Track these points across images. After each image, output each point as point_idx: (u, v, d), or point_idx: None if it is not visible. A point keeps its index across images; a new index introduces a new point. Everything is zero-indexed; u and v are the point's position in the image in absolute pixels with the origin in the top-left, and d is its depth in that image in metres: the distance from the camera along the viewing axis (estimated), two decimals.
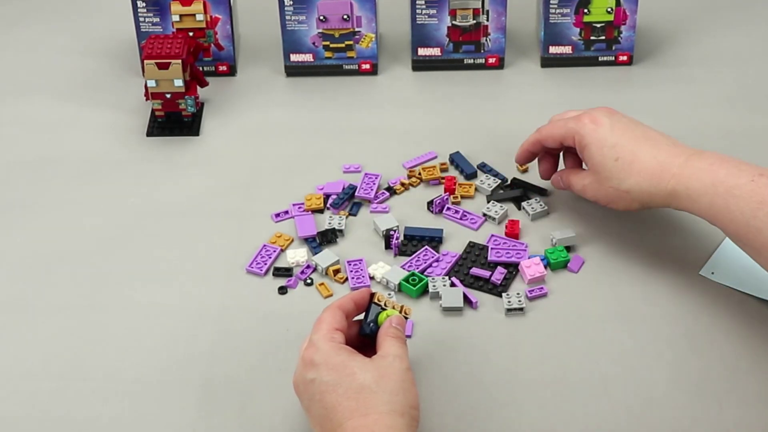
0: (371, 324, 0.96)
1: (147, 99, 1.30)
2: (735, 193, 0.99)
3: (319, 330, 0.93)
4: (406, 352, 0.93)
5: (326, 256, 1.11)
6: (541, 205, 1.17)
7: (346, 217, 1.17)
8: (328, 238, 1.14)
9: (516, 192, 1.19)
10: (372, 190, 1.20)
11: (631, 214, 1.17)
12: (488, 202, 1.18)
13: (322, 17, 1.36)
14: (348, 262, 1.11)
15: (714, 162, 1.02)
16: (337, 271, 1.10)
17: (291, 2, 1.35)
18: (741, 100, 1.34)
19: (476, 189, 1.20)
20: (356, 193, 1.20)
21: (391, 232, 1.13)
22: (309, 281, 1.10)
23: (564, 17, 1.37)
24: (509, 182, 1.21)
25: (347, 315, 0.96)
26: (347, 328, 0.95)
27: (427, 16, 1.37)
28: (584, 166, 1.14)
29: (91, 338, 1.05)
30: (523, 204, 1.17)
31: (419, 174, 1.22)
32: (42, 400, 0.99)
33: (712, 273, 1.09)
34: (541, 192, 1.20)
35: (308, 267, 1.12)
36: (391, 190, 1.21)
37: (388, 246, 1.13)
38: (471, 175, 1.22)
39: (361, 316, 0.98)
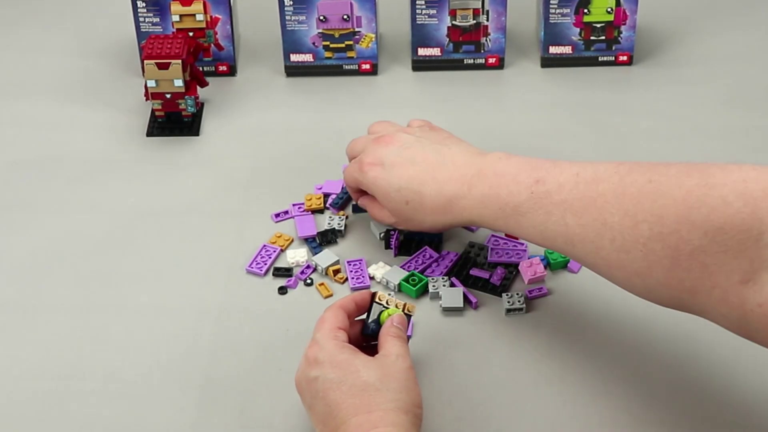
0: (373, 324, 0.97)
1: (147, 99, 1.30)
2: (521, 211, 0.97)
3: (322, 329, 0.93)
4: (408, 351, 0.93)
5: (326, 256, 1.11)
6: None
7: (346, 218, 1.17)
8: (328, 238, 1.14)
9: None
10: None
11: None
12: None
13: (322, 17, 1.36)
14: (348, 262, 1.11)
15: (493, 183, 1.00)
16: (337, 271, 1.10)
17: (291, 2, 1.35)
18: (740, 100, 1.34)
19: None
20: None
21: (391, 232, 1.13)
22: (309, 281, 1.10)
23: (564, 17, 1.37)
24: None
25: (349, 315, 0.96)
26: (349, 327, 0.96)
27: (427, 16, 1.37)
28: None
29: (91, 338, 1.05)
30: None
31: None
32: (42, 400, 0.99)
33: None
34: None
35: (308, 267, 1.12)
36: None
37: (388, 246, 1.13)
38: None
39: (363, 317, 0.98)
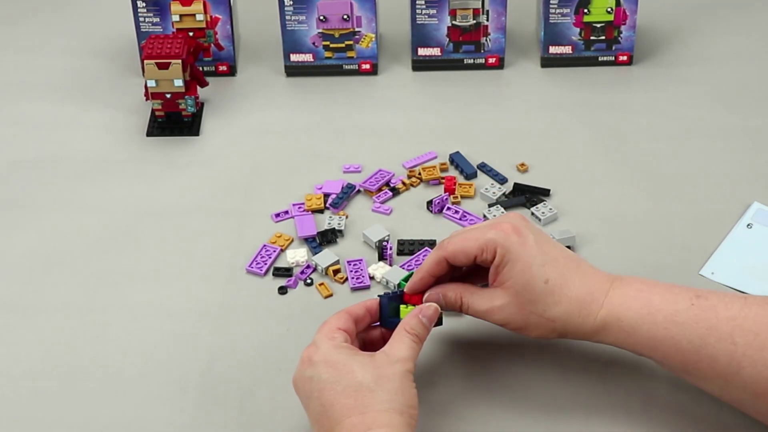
0: (390, 319, 0.96)
1: (147, 99, 1.30)
2: (677, 320, 0.88)
3: (321, 330, 0.93)
4: (416, 354, 0.92)
5: (326, 256, 1.11)
6: (550, 209, 1.16)
7: (346, 217, 1.17)
8: (327, 238, 1.14)
9: (520, 199, 1.19)
10: (377, 183, 1.20)
11: (632, 214, 1.17)
12: (490, 206, 1.18)
13: (322, 17, 1.36)
14: (348, 262, 1.11)
15: (642, 288, 0.91)
16: (337, 271, 1.10)
17: (291, 2, 1.35)
18: (740, 100, 1.34)
19: (476, 192, 1.20)
20: (362, 183, 1.20)
21: (384, 243, 1.12)
22: (309, 281, 1.10)
23: (564, 17, 1.37)
24: (512, 188, 1.20)
25: (356, 319, 0.95)
26: (356, 331, 0.95)
27: (427, 16, 1.37)
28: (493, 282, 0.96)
29: (91, 338, 1.05)
30: (533, 210, 1.17)
31: (419, 174, 1.22)
32: (42, 400, 0.99)
33: (713, 273, 1.09)
34: (544, 193, 1.20)
35: (308, 267, 1.12)
36: (395, 190, 1.21)
37: (381, 257, 1.13)
38: (471, 175, 1.22)
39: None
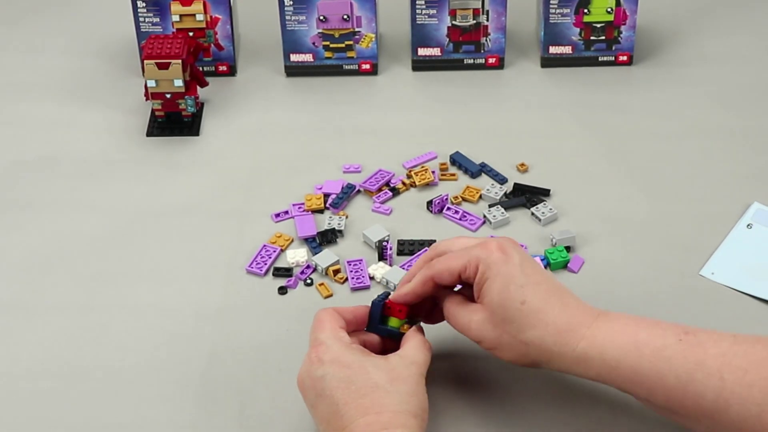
0: (380, 326, 0.97)
1: (147, 99, 1.30)
2: (664, 355, 0.85)
3: (324, 329, 0.93)
4: (429, 361, 0.92)
5: (326, 256, 1.11)
6: (550, 209, 1.16)
7: (346, 217, 1.17)
8: (328, 238, 1.14)
9: (520, 199, 1.18)
10: (377, 183, 1.20)
11: (632, 214, 1.17)
12: (490, 206, 1.18)
13: (322, 17, 1.36)
14: (348, 262, 1.11)
15: (629, 323, 0.89)
16: (336, 271, 1.10)
17: (291, 2, 1.35)
18: (740, 100, 1.34)
19: (481, 197, 1.20)
20: (362, 182, 1.20)
21: (384, 243, 1.13)
22: (309, 281, 1.10)
23: (564, 17, 1.37)
24: (512, 188, 1.20)
25: (347, 322, 0.95)
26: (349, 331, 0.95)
27: (427, 16, 1.37)
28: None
29: (91, 338, 1.05)
30: (533, 210, 1.17)
31: (411, 178, 1.22)
32: (42, 400, 0.99)
33: (713, 273, 1.09)
34: (544, 193, 1.20)
35: (308, 267, 1.11)
36: (395, 190, 1.21)
37: (381, 257, 1.12)
38: (476, 174, 1.22)
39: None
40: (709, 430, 0.86)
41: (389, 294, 0.98)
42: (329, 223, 1.15)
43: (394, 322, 0.97)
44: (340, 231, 1.15)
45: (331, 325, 0.93)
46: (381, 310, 0.97)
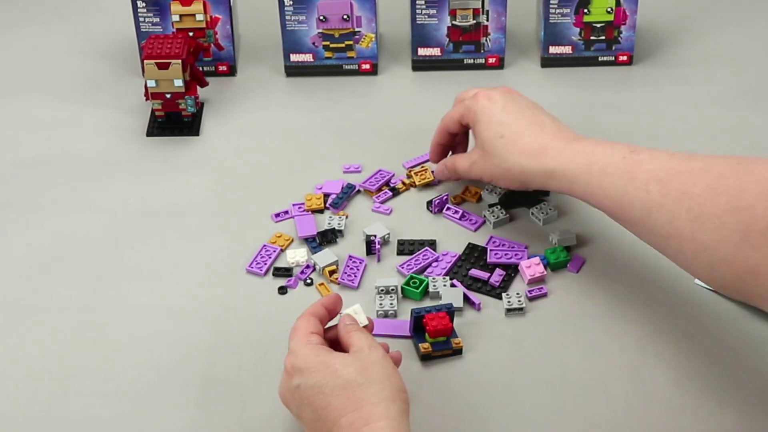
0: (416, 333, 1.02)
1: (147, 99, 1.30)
2: (608, 170, 1.00)
3: (295, 337, 0.94)
4: (374, 339, 0.94)
5: (325, 256, 1.11)
6: (550, 209, 1.16)
7: (346, 217, 1.17)
8: (328, 238, 1.14)
9: (521, 200, 1.18)
10: (377, 183, 1.20)
11: None
12: (490, 206, 1.18)
13: (322, 17, 1.36)
14: (349, 257, 1.11)
15: (591, 144, 1.04)
16: (332, 272, 1.10)
17: (291, 2, 1.35)
18: (740, 100, 1.34)
19: (481, 197, 1.20)
20: (361, 182, 1.20)
21: (372, 237, 1.13)
22: (309, 281, 1.10)
23: (564, 17, 1.37)
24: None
25: (321, 319, 0.96)
26: (323, 332, 0.96)
27: (427, 16, 1.37)
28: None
29: (91, 338, 1.05)
30: (533, 210, 1.17)
31: (411, 178, 1.22)
32: (42, 400, 0.99)
33: None
34: (544, 193, 1.20)
35: (308, 267, 1.11)
36: (395, 190, 1.21)
37: (369, 251, 1.13)
38: None
39: (335, 321, 0.98)
40: (642, 236, 0.99)
41: (426, 312, 1.01)
42: (329, 223, 1.15)
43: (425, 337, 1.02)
44: (340, 231, 1.15)
45: (303, 331, 0.94)
46: (416, 322, 1.02)
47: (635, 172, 0.98)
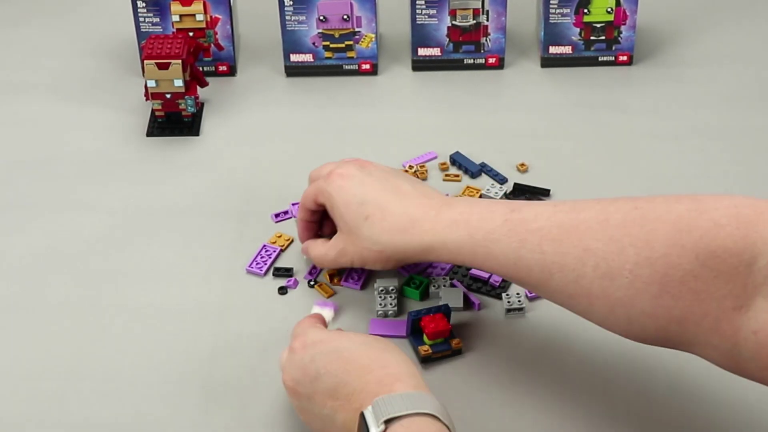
0: (413, 335, 1.02)
1: (147, 99, 1.30)
2: (493, 237, 0.93)
3: (300, 325, 0.95)
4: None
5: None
6: None
7: None
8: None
9: (521, 199, 1.19)
10: None
11: None
12: None
13: (322, 17, 1.36)
14: None
15: (464, 210, 0.96)
16: (333, 276, 1.10)
17: (291, 2, 1.35)
18: (740, 100, 1.34)
19: (481, 197, 1.20)
20: None
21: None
22: (312, 284, 1.10)
23: (564, 17, 1.37)
24: (512, 188, 1.21)
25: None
26: None
27: (427, 16, 1.37)
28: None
29: (91, 338, 1.05)
30: None
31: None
32: (42, 400, 0.99)
33: None
34: (544, 193, 1.20)
35: (314, 268, 1.11)
36: None
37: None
38: (476, 174, 1.22)
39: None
40: (547, 297, 0.93)
41: (424, 314, 1.01)
42: None
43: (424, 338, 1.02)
44: None
45: (307, 320, 0.96)
46: (414, 324, 1.02)
47: (523, 233, 0.91)
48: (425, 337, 1.01)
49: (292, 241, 1.15)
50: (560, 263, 0.88)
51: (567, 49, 1.39)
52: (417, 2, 1.36)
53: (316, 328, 0.93)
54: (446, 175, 1.23)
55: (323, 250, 1.06)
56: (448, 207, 0.98)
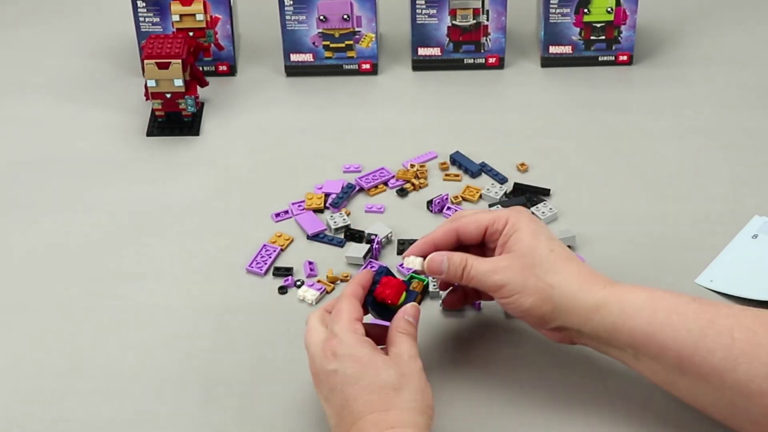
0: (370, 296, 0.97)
1: (147, 99, 1.30)
2: (680, 310, 0.89)
3: (340, 320, 0.92)
4: (418, 350, 0.93)
5: (359, 248, 1.11)
6: (550, 209, 1.16)
7: (348, 215, 1.17)
8: (354, 236, 1.14)
9: (520, 199, 1.19)
10: (374, 181, 1.20)
11: (632, 214, 1.17)
12: (490, 206, 1.18)
13: (322, 17, 1.36)
14: (369, 262, 1.11)
15: (645, 287, 0.93)
16: (333, 280, 1.10)
17: (291, 2, 1.35)
18: (740, 100, 1.34)
19: (481, 197, 1.20)
20: (357, 178, 1.21)
21: (372, 237, 1.12)
22: (299, 283, 1.10)
23: (564, 17, 1.37)
24: (512, 188, 1.21)
25: (359, 300, 0.96)
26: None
27: (427, 16, 1.37)
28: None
29: (91, 338, 1.05)
30: (533, 210, 1.17)
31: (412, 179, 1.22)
32: (42, 400, 0.99)
33: (711, 281, 1.08)
34: (544, 193, 1.20)
35: (311, 263, 1.11)
36: (403, 191, 1.21)
37: (369, 251, 1.12)
38: (476, 174, 1.22)
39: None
40: (717, 392, 0.87)
41: (386, 271, 0.98)
42: (335, 222, 1.15)
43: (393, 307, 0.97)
44: (346, 227, 1.15)
45: (347, 316, 0.93)
46: (375, 305, 0.98)
47: (713, 315, 0.87)
48: (390, 304, 0.97)
49: (292, 240, 1.15)
50: (751, 354, 0.85)
51: (567, 49, 1.39)
52: (417, 2, 1.36)
53: (353, 336, 0.91)
54: (446, 175, 1.23)
55: (479, 262, 0.96)
56: (621, 283, 0.94)
